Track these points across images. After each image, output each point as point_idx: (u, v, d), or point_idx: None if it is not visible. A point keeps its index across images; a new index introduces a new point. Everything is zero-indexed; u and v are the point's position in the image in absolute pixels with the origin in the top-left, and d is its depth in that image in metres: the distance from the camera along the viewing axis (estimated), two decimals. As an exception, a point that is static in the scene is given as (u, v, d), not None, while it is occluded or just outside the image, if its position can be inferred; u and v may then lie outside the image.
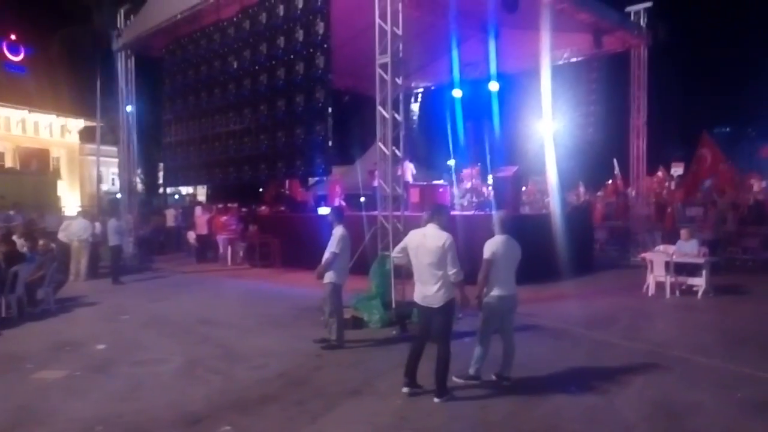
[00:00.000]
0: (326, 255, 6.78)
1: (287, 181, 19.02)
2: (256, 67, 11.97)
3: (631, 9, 14.68)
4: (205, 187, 32.43)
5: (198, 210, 18.31)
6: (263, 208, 19.41)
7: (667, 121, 22.96)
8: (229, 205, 18.64)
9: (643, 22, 14.76)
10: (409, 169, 15.41)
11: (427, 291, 5.03)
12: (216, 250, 16.15)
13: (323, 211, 13.59)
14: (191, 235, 17.02)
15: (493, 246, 5.28)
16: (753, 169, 19.43)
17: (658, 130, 16.52)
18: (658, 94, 16.23)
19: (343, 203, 14.34)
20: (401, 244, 5.36)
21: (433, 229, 5.06)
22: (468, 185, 14.19)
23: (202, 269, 14.82)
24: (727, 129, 35.98)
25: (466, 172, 14.71)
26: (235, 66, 12.62)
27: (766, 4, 30.13)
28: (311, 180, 18.91)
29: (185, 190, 37.53)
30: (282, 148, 11.42)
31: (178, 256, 17.56)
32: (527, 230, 9.76)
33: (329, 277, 6.82)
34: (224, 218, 15.99)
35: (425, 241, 5.03)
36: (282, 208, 17.20)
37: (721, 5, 33.37)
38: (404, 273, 8.03)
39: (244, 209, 19.70)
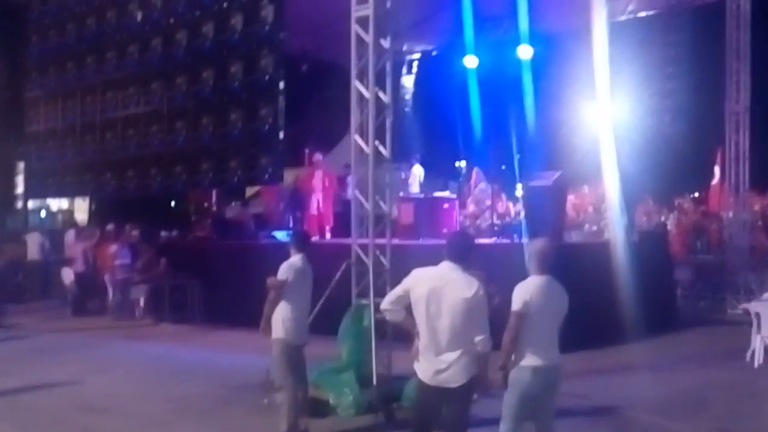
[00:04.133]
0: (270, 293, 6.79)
1: (214, 192, 18.98)
2: (172, 21, 12.03)
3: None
4: (88, 199, 32.07)
5: (70, 235, 18.09)
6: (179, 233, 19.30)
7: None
8: (129, 227, 18.44)
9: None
10: (417, 177, 15.45)
11: (441, 364, 4.89)
12: (103, 297, 16.03)
13: (279, 235, 13.43)
14: (66, 274, 16.86)
15: (526, 293, 5.24)
16: None
17: (765, 120, 16.56)
18: (766, 67, 16.29)
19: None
20: (398, 290, 5.12)
21: (453, 271, 4.89)
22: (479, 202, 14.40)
23: (81, 326, 14.70)
24: None
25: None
26: (139, 19, 12.66)
27: None
28: (249, 191, 18.90)
29: (56, 204, 37.20)
30: (209, 141, 11.44)
31: (46, 306, 17.40)
32: (577, 268, 9.84)
33: (277, 330, 6.76)
34: (113, 247, 15.82)
35: (444, 289, 4.83)
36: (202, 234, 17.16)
37: None
38: (390, 331, 8.03)
39: (164, 233, 19.47)
